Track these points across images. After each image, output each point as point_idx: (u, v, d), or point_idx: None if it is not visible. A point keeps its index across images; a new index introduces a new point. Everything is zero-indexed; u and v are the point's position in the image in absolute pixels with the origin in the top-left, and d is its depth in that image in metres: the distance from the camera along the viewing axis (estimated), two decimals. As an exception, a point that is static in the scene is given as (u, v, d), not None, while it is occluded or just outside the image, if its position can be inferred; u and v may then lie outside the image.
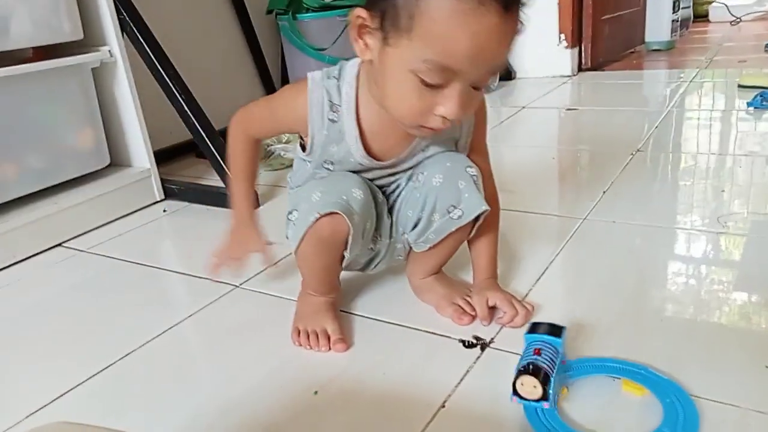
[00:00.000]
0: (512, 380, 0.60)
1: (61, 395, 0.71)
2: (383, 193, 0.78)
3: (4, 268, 1.08)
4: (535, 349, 0.61)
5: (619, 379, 0.63)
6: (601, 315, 0.77)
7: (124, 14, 1.27)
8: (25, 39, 1.15)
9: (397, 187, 0.78)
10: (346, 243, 0.71)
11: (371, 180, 0.76)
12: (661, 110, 1.72)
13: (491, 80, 0.63)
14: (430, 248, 0.78)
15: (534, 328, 0.65)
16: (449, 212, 0.73)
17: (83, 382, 0.73)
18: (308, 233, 0.70)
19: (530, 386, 0.58)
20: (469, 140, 0.77)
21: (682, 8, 2.83)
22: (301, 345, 0.76)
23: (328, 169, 0.75)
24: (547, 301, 0.81)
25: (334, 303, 0.80)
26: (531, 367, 0.59)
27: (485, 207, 0.73)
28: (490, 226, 0.79)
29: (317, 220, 0.68)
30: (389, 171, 0.76)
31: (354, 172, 0.74)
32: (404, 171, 0.77)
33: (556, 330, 0.64)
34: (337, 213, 0.68)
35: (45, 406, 0.69)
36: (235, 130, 0.81)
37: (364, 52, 0.64)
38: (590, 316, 0.77)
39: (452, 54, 0.57)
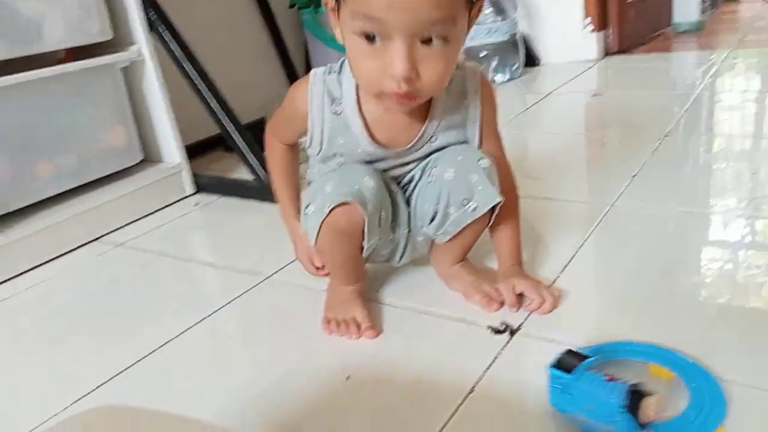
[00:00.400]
0: (631, 417, 0.52)
1: (105, 382, 0.74)
2: (398, 184, 0.79)
3: (47, 262, 1.13)
4: (608, 377, 0.54)
5: (647, 363, 0.63)
6: (630, 300, 0.77)
7: (152, 14, 1.30)
8: (57, 41, 1.18)
9: (412, 179, 0.79)
10: (364, 232, 0.72)
11: (384, 171, 0.77)
12: (691, 93, 1.69)
13: (445, 31, 0.61)
14: (450, 239, 0.78)
15: (567, 363, 0.56)
16: (464, 205, 0.74)
17: (125, 369, 0.76)
18: (324, 225, 0.71)
19: (652, 406, 0.53)
20: (477, 125, 0.77)
21: (712, -13, 2.76)
22: (331, 333, 0.77)
23: (340, 162, 0.76)
24: (575, 287, 0.81)
25: (361, 291, 0.82)
26: (642, 387, 0.53)
27: (499, 199, 0.73)
28: (510, 212, 0.79)
29: (331, 211, 0.70)
30: (400, 161, 0.77)
31: (366, 163, 0.75)
32: (416, 161, 0.77)
33: (579, 355, 0.58)
34: (349, 203, 0.69)
35: (90, 392, 0.73)
36: (268, 137, 0.83)
37: (339, 36, 0.67)
38: (619, 302, 0.77)
39: (371, 3, 0.59)
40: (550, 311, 0.75)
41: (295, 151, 0.84)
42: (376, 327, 0.77)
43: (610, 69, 2.18)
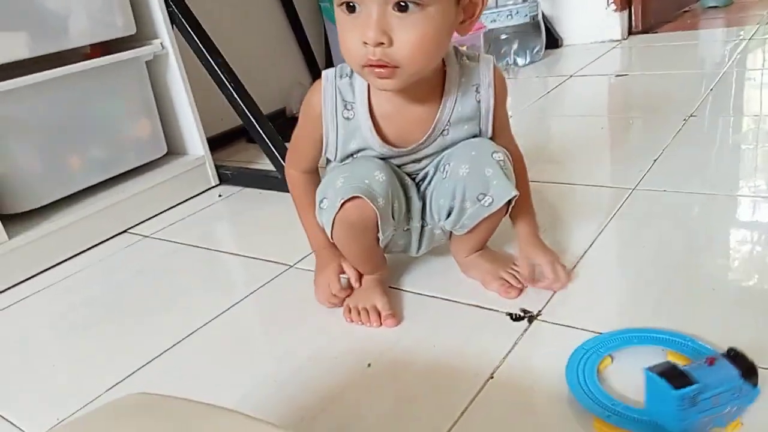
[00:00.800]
0: (750, 377, 0.52)
1: (136, 371, 0.77)
2: (412, 179, 0.79)
3: (77, 254, 1.16)
4: (706, 361, 0.54)
5: (665, 350, 0.63)
6: (651, 285, 0.77)
7: (173, 7, 1.32)
8: (83, 37, 1.21)
9: (426, 175, 0.79)
10: (378, 225, 0.73)
11: (398, 167, 0.77)
12: (717, 72, 1.65)
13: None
14: (468, 232, 0.79)
15: (677, 378, 0.51)
16: (479, 200, 0.74)
17: (155, 358, 0.79)
18: (336, 220, 0.72)
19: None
20: (491, 118, 0.77)
21: (742, -40, 2.67)
22: (353, 321, 0.79)
23: (356, 157, 0.77)
24: (595, 272, 0.81)
25: (382, 280, 0.83)
26: (734, 349, 0.54)
27: (514, 193, 0.73)
28: (524, 197, 0.80)
29: (342, 205, 0.71)
30: (412, 157, 0.77)
31: (380, 159, 0.76)
32: (428, 157, 0.77)
33: (670, 365, 0.54)
34: (359, 197, 0.70)
35: (122, 380, 0.76)
36: (288, 173, 0.84)
37: None
38: (640, 287, 0.77)
39: None
40: (558, 290, 0.77)
41: (315, 180, 0.82)
42: (397, 315, 0.78)
43: (634, 49, 2.14)
